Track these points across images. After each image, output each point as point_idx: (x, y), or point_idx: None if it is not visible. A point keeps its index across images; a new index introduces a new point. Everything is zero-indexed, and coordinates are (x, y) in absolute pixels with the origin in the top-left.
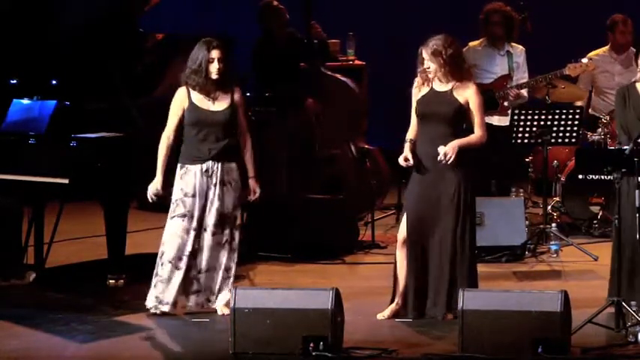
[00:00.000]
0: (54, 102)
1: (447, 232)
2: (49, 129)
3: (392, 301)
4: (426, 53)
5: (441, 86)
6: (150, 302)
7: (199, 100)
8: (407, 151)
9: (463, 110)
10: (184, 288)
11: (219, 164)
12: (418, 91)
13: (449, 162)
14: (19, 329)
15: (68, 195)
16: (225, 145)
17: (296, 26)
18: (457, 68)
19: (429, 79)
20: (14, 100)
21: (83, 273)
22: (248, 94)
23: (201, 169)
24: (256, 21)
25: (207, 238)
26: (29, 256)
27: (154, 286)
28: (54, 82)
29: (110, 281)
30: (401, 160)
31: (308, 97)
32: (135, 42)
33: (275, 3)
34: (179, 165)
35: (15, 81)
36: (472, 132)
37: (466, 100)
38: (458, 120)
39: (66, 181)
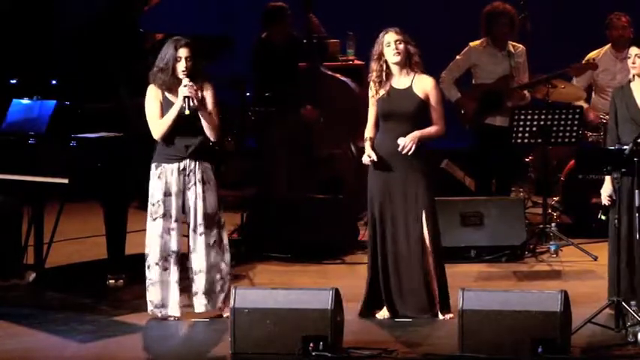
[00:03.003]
0: (54, 102)
1: (416, 231)
2: (49, 129)
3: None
4: (398, 35)
5: (400, 83)
6: (148, 307)
7: (172, 97)
8: (369, 149)
9: (424, 105)
10: (183, 290)
11: (197, 163)
12: (376, 93)
13: (409, 152)
14: (19, 329)
15: (68, 195)
16: (202, 142)
17: (296, 25)
18: (420, 59)
19: (383, 80)
20: (14, 100)
21: (83, 273)
22: (248, 94)
23: (178, 167)
24: (261, 23)
25: (199, 239)
26: (29, 256)
27: (147, 290)
28: (54, 82)
29: (110, 281)
30: (365, 159)
31: (307, 104)
32: (135, 42)
33: (283, 6)
34: (154, 165)
35: (15, 81)
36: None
37: (426, 94)
38: (420, 116)
39: (66, 181)
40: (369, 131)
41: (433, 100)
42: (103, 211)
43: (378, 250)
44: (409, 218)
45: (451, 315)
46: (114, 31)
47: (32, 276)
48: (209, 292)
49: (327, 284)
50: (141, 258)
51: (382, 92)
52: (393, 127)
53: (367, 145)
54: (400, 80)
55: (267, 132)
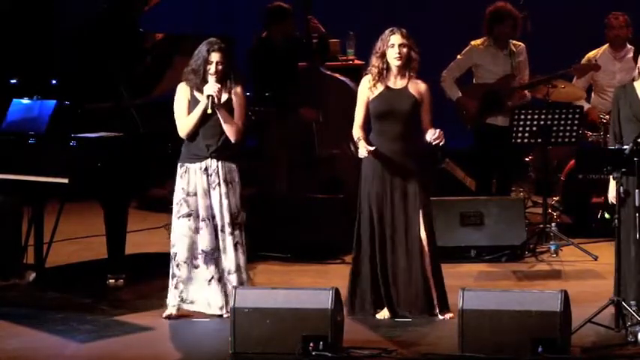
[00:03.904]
0: (54, 102)
1: (414, 231)
2: (49, 129)
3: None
4: (403, 39)
5: (396, 83)
6: (172, 300)
7: (200, 96)
8: (365, 143)
9: (417, 106)
10: (220, 291)
11: (219, 163)
12: (371, 90)
13: (441, 143)
14: (19, 329)
15: (68, 195)
16: (224, 143)
17: (295, 25)
18: (417, 66)
19: (382, 76)
20: (14, 99)
21: (83, 273)
22: (248, 93)
23: (200, 167)
24: (263, 23)
25: (228, 239)
26: (29, 256)
27: (175, 286)
28: (54, 82)
29: (110, 281)
30: (364, 152)
31: (306, 105)
32: (135, 42)
33: (287, 7)
34: (179, 165)
35: (15, 81)
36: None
37: (421, 95)
38: (414, 117)
39: (66, 180)
40: (358, 132)
41: (427, 103)
42: (103, 211)
43: (376, 252)
44: (406, 219)
45: (451, 315)
46: (114, 31)
47: (32, 276)
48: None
49: (327, 284)
50: (141, 258)
51: (379, 88)
52: (387, 127)
53: (361, 143)
54: (397, 81)
55: (267, 132)
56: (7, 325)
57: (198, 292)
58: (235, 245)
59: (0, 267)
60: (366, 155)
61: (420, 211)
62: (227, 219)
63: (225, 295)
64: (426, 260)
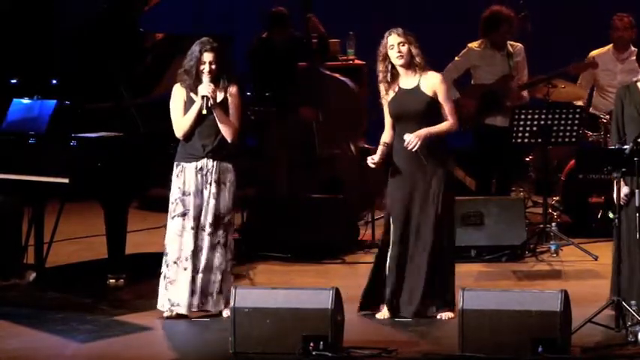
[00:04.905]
0: (54, 101)
1: (428, 232)
2: (49, 128)
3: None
4: (400, 37)
5: (407, 83)
6: (163, 305)
7: (196, 97)
8: (377, 154)
9: (433, 103)
10: (191, 288)
11: (215, 163)
12: (385, 97)
13: (414, 149)
14: (19, 329)
15: (68, 195)
16: (220, 143)
17: (295, 25)
18: (423, 59)
19: (391, 82)
20: (14, 99)
21: (83, 273)
22: (248, 93)
23: (196, 167)
24: (264, 25)
25: (205, 239)
26: (29, 256)
27: (165, 288)
28: (54, 81)
29: (110, 281)
30: (369, 161)
31: (305, 104)
32: (135, 42)
33: (286, 13)
34: (175, 164)
35: (15, 81)
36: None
37: (434, 91)
38: (431, 114)
39: (66, 180)
40: (384, 136)
41: (442, 96)
42: (103, 211)
43: (388, 250)
44: (422, 220)
45: (451, 315)
46: (114, 31)
47: (32, 276)
48: (208, 293)
49: (327, 284)
50: (141, 258)
51: (391, 93)
52: (405, 127)
53: (379, 149)
54: (407, 80)
55: (267, 132)
56: (7, 325)
57: (183, 294)
58: (214, 246)
59: (0, 267)
60: (372, 166)
61: (434, 212)
62: (210, 219)
63: (205, 295)
64: (437, 261)
